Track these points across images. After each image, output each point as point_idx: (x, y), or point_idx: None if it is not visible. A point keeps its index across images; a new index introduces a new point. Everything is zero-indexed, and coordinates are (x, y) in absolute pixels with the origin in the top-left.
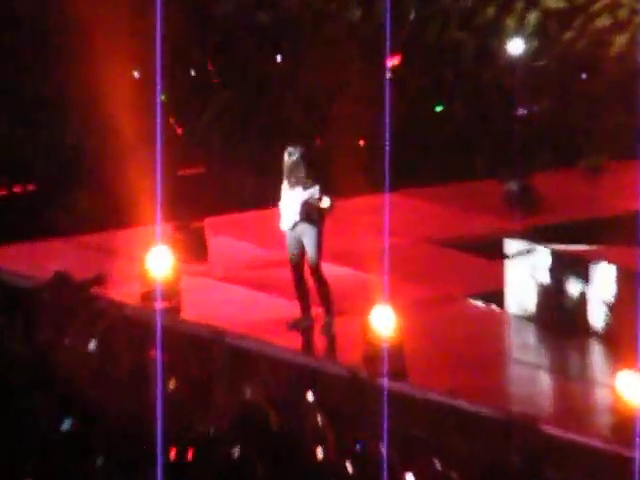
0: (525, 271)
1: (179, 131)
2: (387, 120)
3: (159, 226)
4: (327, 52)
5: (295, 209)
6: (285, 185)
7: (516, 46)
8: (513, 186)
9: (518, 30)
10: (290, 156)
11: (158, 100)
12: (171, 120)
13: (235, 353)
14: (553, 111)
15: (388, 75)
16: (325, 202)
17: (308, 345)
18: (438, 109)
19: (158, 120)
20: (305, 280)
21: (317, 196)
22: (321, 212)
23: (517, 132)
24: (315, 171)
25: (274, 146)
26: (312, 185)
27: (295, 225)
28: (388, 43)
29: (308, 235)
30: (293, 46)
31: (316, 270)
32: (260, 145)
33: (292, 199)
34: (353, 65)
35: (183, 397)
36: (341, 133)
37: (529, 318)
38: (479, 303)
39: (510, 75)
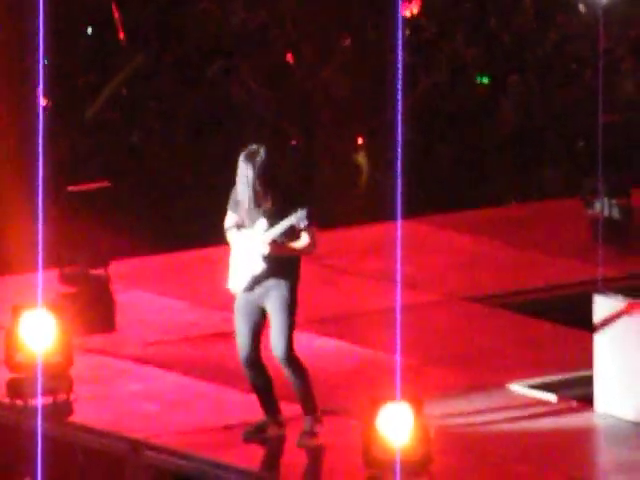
0: (626, 345)
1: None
2: (400, 106)
3: (38, 275)
4: None
5: (256, 256)
6: (239, 214)
7: None
8: (602, 208)
9: None
10: (248, 164)
11: (41, 65)
12: (46, 100)
13: (159, 477)
14: None
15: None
16: (303, 239)
17: (274, 466)
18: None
19: (39, 103)
20: (263, 370)
21: (302, 225)
22: (297, 258)
23: (609, 125)
24: (291, 188)
25: (219, 146)
26: (284, 212)
27: (254, 283)
28: None
29: (276, 297)
30: None
31: (287, 354)
32: (198, 143)
33: (250, 238)
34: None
35: None
36: (331, 129)
37: (634, 423)
38: (549, 397)
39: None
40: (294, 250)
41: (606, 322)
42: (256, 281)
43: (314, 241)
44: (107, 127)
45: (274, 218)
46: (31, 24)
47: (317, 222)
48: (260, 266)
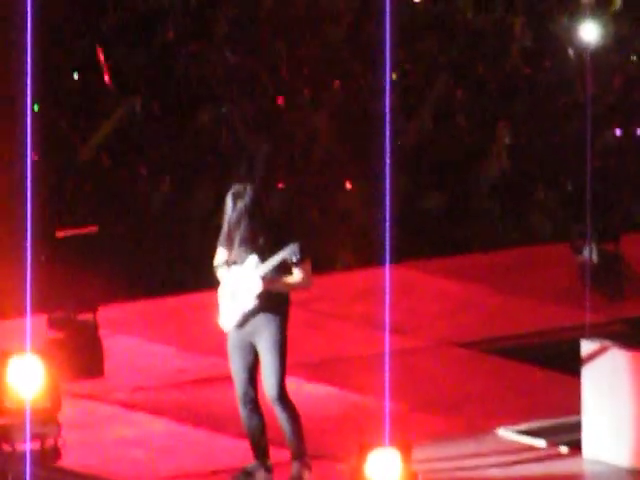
0: (614, 391)
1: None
2: (388, 148)
3: (26, 320)
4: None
5: (246, 292)
6: (228, 250)
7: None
8: (591, 254)
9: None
10: (236, 201)
11: (28, 112)
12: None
13: None
14: None
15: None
16: (296, 274)
17: None
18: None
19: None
20: (259, 409)
21: (294, 259)
22: (287, 295)
23: (599, 170)
24: (281, 223)
25: (207, 191)
26: (276, 247)
27: (245, 320)
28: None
29: (266, 336)
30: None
31: (279, 393)
32: (186, 187)
33: (241, 275)
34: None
35: None
36: (317, 170)
37: (623, 469)
38: (538, 443)
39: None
40: (288, 285)
41: (590, 369)
42: (247, 318)
43: (309, 275)
44: (95, 172)
45: (265, 254)
46: (18, 72)
47: (311, 256)
48: (251, 302)
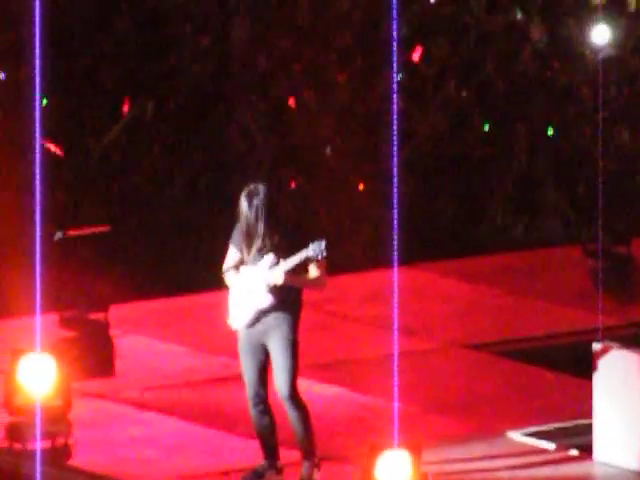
0: (626, 394)
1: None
2: (398, 151)
3: (37, 319)
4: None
5: (261, 290)
6: (242, 251)
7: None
8: (603, 258)
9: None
10: (250, 201)
11: (37, 107)
12: (50, 146)
13: None
14: None
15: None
16: (313, 272)
17: None
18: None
19: (37, 138)
20: (270, 410)
21: (320, 257)
22: (300, 294)
23: (611, 172)
24: (300, 221)
25: (219, 191)
26: (294, 245)
27: (258, 319)
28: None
29: (279, 335)
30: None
31: (290, 392)
32: (198, 187)
33: (255, 274)
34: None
35: None
36: (328, 171)
37: (634, 472)
38: (548, 445)
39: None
40: (307, 282)
41: (600, 372)
42: (260, 316)
43: (324, 275)
44: (107, 171)
45: (283, 252)
46: (30, 68)
47: (328, 257)
48: (266, 301)
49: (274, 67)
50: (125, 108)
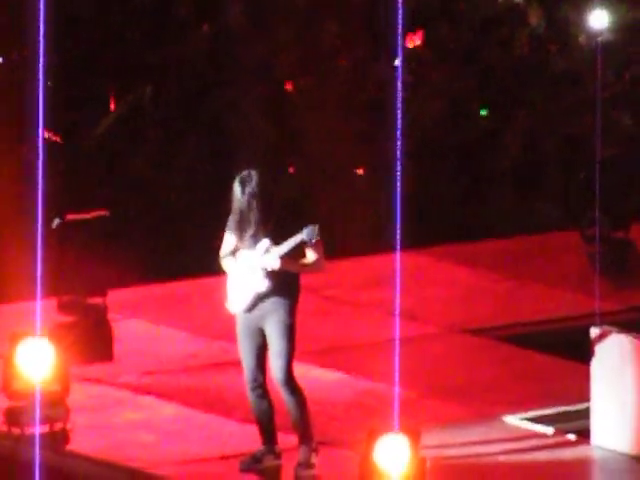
0: (623, 378)
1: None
2: (399, 136)
3: (36, 304)
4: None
5: (259, 274)
6: (238, 236)
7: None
8: (602, 243)
9: None
10: (243, 187)
11: (41, 87)
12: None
13: None
14: None
15: (399, 62)
16: (310, 256)
17: None
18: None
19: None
20: (268, 394)
21: (313, 241)
22: (297, 279)
23: (609, 158)
24: (295, 205)
25: (217, 176)
26: (289, 229)
27: (255, 303)
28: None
29: (276, 320)
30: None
31: (286, 377)
32: (196, 172)
33: (250, 259)
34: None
35: None
36: (327, 157)
37: (631, 456)
38: (545, 430)
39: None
40: (304, 266)
41: (599, 356)
42: (257, 300)
43: (322, 257)
44: (106, 156)
45: (278, 236)
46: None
47: (323, 240)
48: (264, 285)
49: (273, 52)
50: (124, 93)
